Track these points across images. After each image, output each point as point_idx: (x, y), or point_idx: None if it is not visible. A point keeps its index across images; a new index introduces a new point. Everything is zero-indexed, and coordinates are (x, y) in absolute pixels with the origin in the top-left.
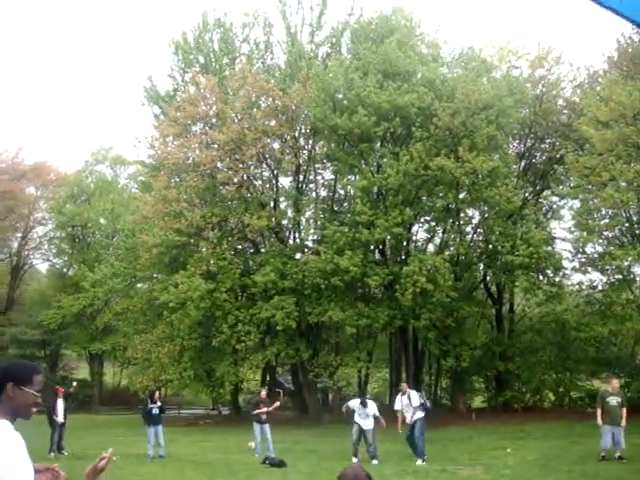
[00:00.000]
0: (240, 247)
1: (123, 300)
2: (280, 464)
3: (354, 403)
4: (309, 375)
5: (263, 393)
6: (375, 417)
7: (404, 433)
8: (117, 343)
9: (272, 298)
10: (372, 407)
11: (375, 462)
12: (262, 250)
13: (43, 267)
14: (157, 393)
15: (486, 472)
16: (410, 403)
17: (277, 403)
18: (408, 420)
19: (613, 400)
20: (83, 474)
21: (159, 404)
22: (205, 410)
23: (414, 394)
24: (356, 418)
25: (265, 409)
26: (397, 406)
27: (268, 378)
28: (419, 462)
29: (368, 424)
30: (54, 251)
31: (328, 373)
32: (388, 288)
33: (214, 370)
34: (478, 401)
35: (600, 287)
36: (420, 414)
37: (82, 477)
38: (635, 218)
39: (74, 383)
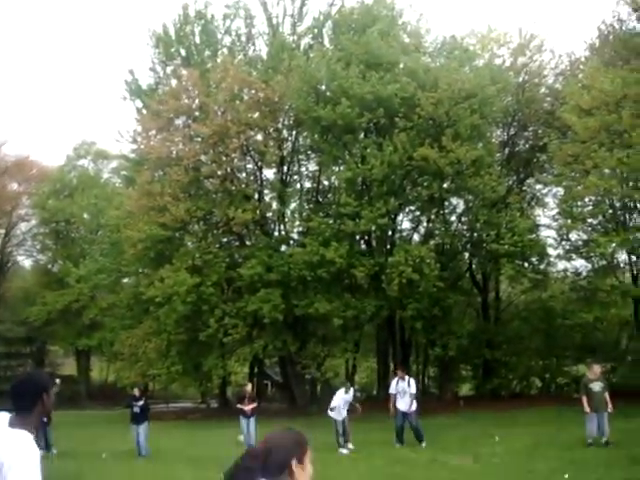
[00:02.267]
0: (225, 240)
1: (109, 295)
2: None
3: (338, 398)
4: (297, 367)
5: (248, 387)
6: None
7: (394, 419)
8: (104, 338)
9: (258, 291)
10: (351, 394)
11: (345, 451)
12: (247, 243)
13: (27, 263)
14: (138, 390)
15: (475, 461)
16: (408, 390)
17: (254, 404)
18: (403, 408)
19: (596, 386)
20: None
21: (141, 403)
22: (193, 404)
23: (413, 382)
24: (341, 411)
25: (248, 407)
26: (392, 390)
27: (256, 370)
28: (422, 445)
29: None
30: (38, 247)
31: (316, 364)
32: (374, 279)
33: (201, 364)
34: (466, 389)
35: (584, 274)
36: (415, 404)
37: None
38: (618, 205)
39: (57, 381)
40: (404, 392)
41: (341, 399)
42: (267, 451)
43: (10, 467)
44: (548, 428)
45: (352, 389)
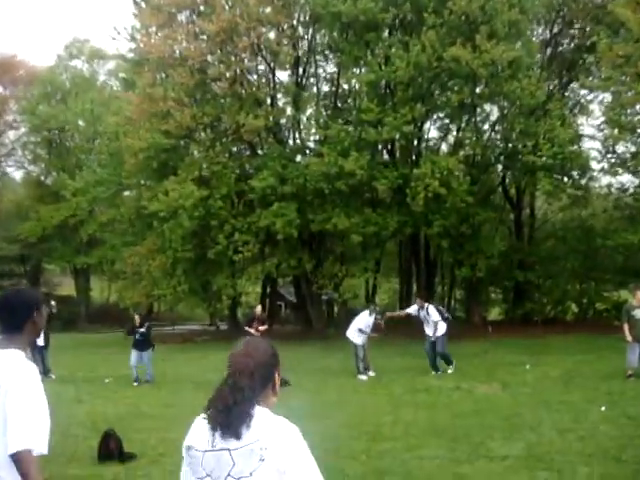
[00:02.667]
0: (235, 150)
1: (109, 210)
2: (283, 383)
3: (362, 320)
4: (313, 287)
5: (258, 309)
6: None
7: (417, 346)
8: (104, 256)
9: (271, 205)
10: (373, 317)
11: (364, 377)
12: (259, 152)
13: (18, 175)
14: (138, 317)
15: (504, 390)
16: (429, 319)
17: (264, 327)
18: (430, 334)
19: (639, 313)
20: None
21: (143, 330)
22: (202, 326)
23: (432, 309)
24: (364, 334)
25: (257, 330)
26: (409, 310)
27: (269, 290)
28: (450, 370)
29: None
30: (29, 157)
31: (333, 284)
32: (398, 193)
33: (210, 283)
34: (495, 313)
35: (631, 190)
36: (443, 329)
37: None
38: None
39: (52, 303)
40: (426, 320)
41: (365, 321)
42: (255, 367)
43: (8, 389)
44: (584, 357)
45: (376, 311)
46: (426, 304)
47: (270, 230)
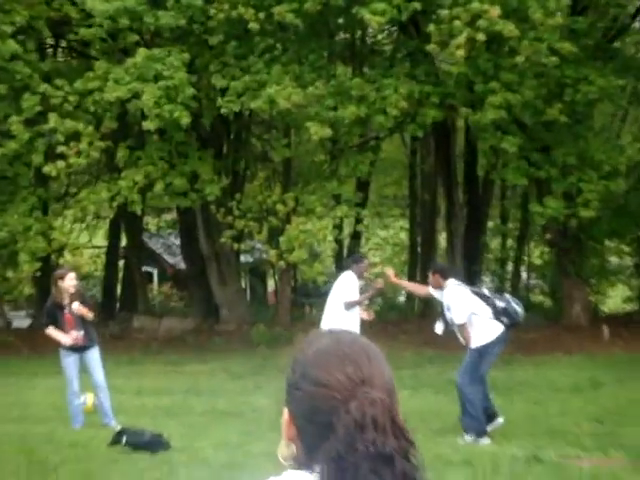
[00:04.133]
0: None
1: None
2: (154, 445)
3: (349, 282)
4: (222, 236)
5: (68, 279)
6: None
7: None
8: None
9: (131, 55)
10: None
11: None
12: None
13: None
14: None
15: (635, 463)
16: (448, 315)
17: (89, 315)
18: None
19: None
20: None
21: None
22: None
23: (454, 293)
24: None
25: (72, 334)
26: (433, 291)
27: (124, 243)
28: (464, 439)
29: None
30: None
31: (266, 231)
32: (407, 32)
33: None
34: (618, 300)
35: None
36: (490, 335)
37: None
38: None
39: None
40: (443, 318)
41: (353, 287)
42: (390, 400)
43: None
44: None
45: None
46: (449, 282)
47: (128, 110)
